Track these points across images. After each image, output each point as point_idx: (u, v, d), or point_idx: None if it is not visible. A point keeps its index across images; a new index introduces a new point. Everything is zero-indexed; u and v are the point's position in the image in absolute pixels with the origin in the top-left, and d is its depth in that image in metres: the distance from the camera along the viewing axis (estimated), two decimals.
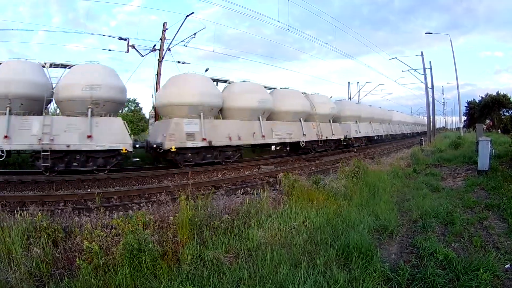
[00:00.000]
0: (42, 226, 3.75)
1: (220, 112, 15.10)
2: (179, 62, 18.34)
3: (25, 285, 2.98)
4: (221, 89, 15.60)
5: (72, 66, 11.85)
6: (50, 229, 3.77)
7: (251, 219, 4.45)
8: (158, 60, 17.07)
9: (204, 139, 12.87)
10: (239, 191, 7.56)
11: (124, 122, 11.93)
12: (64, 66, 12.01)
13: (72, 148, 10.59)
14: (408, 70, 26.70)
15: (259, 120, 15.42)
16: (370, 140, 28.99)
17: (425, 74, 26.05)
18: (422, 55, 25.88)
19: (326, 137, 19.94)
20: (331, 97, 23.05)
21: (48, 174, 10.35)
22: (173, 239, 3.73)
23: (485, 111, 42.40)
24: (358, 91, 34.20)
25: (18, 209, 4.52)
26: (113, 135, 11.29)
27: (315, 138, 18.90)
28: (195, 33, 16.91)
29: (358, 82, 37.69)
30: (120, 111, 14.79)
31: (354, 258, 3.42)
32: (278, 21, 46.96)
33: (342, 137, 21.69)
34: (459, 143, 17.54)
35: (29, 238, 3.62)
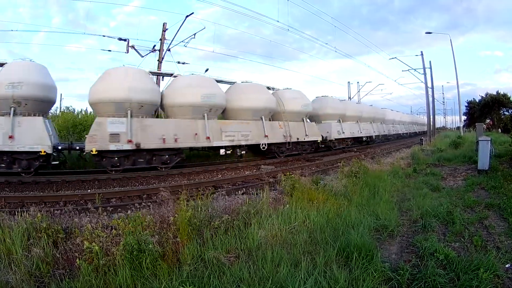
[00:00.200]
0: (42, 227, 3.76)
1: (163, 111, 13.82)
2: (179, 62, 18.39)
3: (25, 285, 2.98)
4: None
5: (5, 64, 11.26)
6: (50, 230, 3.78)
7: (251, 219, 4.45)
8: (158, 60, 17.05)
9: (130, 141, 11.24)
10: (239, 191, 7.56)
11: (46, 122, 11.08)
12: (1, 64, 11.46)
13: None
14: (408, 70, 26.80)
15: (204, 119, 13.30)
16: (360, 141, 26.47)
17: (425, 74, 26.12)
18: (422, 54, 25.97)
19: (297, 139, 17.36)
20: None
21: None
22: (173, 239, 3.74)
23: (485, 110, 42.44)
24: (358, 91, 34.23)
25: (19, 209, 4.52)
26: (34, 135, 10.56)
27: (281, 140, 16.46)
28: (195, 34, 16.89)
29: (358, 82, 37.66)
30: (49, 110, 13.14)
31: (354, 258, 3.42)
32: (278, 21, 46.86)
33: (319, 139, 18.99)
34: (459, 143, 17.56)
35: (30, 238, 3.63)
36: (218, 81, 15.05)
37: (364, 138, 26.37)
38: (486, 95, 43.67)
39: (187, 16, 16.53)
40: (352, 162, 9.53)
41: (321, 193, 5.91)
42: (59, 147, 11.44)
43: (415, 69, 26.74)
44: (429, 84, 26.80)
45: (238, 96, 15.21)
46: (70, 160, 13.02)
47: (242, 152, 15.04)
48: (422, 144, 20.74)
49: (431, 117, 27.82)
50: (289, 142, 16.84)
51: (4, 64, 11.31)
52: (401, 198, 6.71)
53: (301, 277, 3.02)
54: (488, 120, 43.35)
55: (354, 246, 3.63)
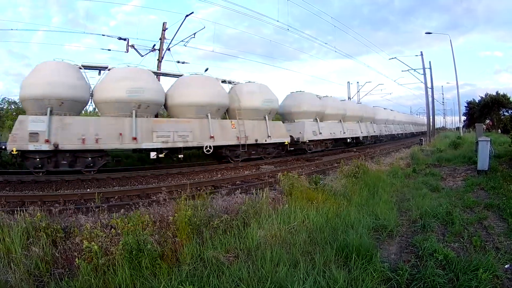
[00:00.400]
0: (41, 226, 3.75)
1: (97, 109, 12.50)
2: (178, 62, 18.47)
3: (24, 284, 2.98)
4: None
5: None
6: (50, 229, 3.78)
7: (251, 219, 4.45)
8: (157, 60, 17.08)
9: (47, 141, 10.23)
10: (238, 190, 7.56)
11: None
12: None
13: None
14: (407, 70, 26.79)
15: (132, 117, 11.59)
16: (346, 143, 24.03)
17: (424, 74, 26.14)
18: (421, 55, 25.97)
19: (256, 140, 14.96)
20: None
21: None
22: (172, 238, 3.74)
23: (484, 111, 42.46)
24: (358, 91, 34.26)
25: (18, 208, 4.52)
26: None
27: (234, 142, 14.18)
28: (195, 33, 16.92)
29: (357, 82, 37.72)
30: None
31: (353, 258, 3.42)
32: (278, 21, 46.91)
33: (286, 140, 16.57)
34: (458, 143, 17.56)
35: (29, 238, 3.63)
36: (160, 74, 13.61)
37: (348, 140, 23.48)
38: (485, 95, 43.72)
39: (187, 15, 16.57)
40: (351, 162, 9.54)
41: (320, 193, 5.91)
42: None
43: (415, 69, 26.78)
44: (429, 84, 26.85)
45: (180, 91, 13.35)
46: None
47: (180, 156, 12.89)
48: (421, 144, 20.77)
49: (431, 117, 27.83)
50: (243, 145, 14.44)
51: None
52: (401, 198, 6.71)
53: (300, 277, 3.02)
54: (487, 121, 43.34)
55: (353, 246, 3.63)
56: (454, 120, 66.26)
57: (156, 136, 11.97)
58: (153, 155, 12.02)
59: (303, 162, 16.38)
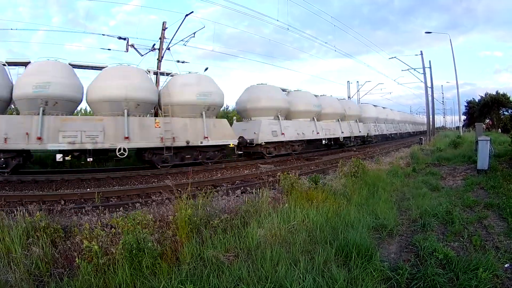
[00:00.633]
0: (41, 226, 3.75)
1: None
2: (178, 61, 18.27)
3: (24, 284, 2.98)
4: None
5: None
6: (49, 229, 3.78)
7: (251, 218, 4.45)
8: (157, 59, 17.03)
9: None
10: (238, 190, 7.57)
11: None
12: None
13: None
14: (407, 70, 26.78)
15: (39, 114, 10.49)
16: (327, 145, 21.31)
17: (424, 74, 26.14)
18: (421, 54, 25.96)
19: (188, 142, 12.70)
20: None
21: None
22: (172, 238, 3.74)
23: (484, 110, 42.52)
24: (358, 91, 34.23)
25: (18, 208, 4.51)
26: None
27: (156, 144, 12.06)
28: (195, 32, 16.86)
29: (357, 82, 37.61)
30: None
31: (353, 257, 3.42)
32: (278, 20, 46.87)
33: (232, 142, 14.29)
34: (458, 143, 17.57)
35: (29, 237, 3.62)
36: (76, 67, 12.30)
37: (324, 141, 20.12)
38: (485, 95, 43.82)
39: (187, 15, 16.51)
40: (351, 162, 9.53)
41: (320, 192, 5.91)
42: None
43: (414, 69, 26.77)
44: (429, 84, 26.86)
45: (97, 84, 11.87)
46: None
47: (89, 159, 11.25)
48: (421, 143, 20.79)
49: (431, 116, 27.83)
50: (169, 147, 12.22)
51: None
52: (400, 198, 6.71)
53: (300, 276, 3.02)
54: (487, 120, 43.43)
55: (353, 246, 3.63)
56: (454, 119, 66.33)
57: (62, 136, 10.64)
58: (59, 157, 10.76)
59: (303, 161, 16.40)
